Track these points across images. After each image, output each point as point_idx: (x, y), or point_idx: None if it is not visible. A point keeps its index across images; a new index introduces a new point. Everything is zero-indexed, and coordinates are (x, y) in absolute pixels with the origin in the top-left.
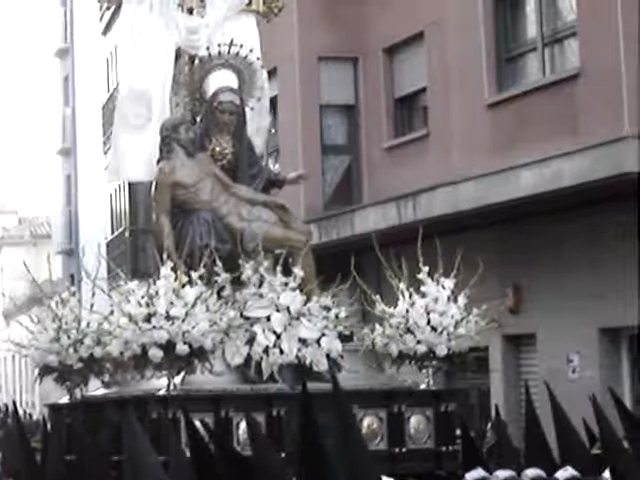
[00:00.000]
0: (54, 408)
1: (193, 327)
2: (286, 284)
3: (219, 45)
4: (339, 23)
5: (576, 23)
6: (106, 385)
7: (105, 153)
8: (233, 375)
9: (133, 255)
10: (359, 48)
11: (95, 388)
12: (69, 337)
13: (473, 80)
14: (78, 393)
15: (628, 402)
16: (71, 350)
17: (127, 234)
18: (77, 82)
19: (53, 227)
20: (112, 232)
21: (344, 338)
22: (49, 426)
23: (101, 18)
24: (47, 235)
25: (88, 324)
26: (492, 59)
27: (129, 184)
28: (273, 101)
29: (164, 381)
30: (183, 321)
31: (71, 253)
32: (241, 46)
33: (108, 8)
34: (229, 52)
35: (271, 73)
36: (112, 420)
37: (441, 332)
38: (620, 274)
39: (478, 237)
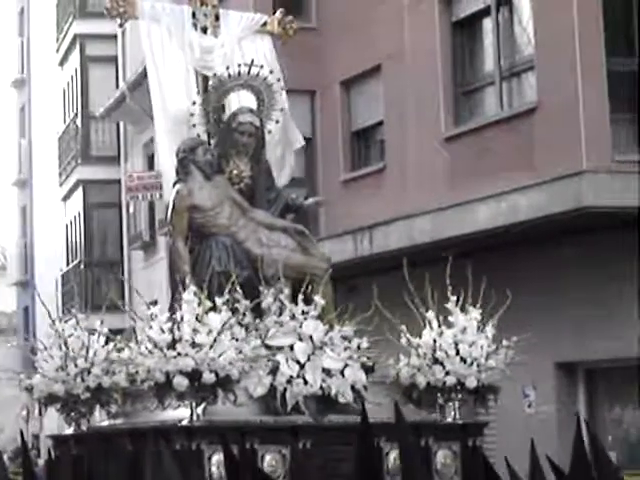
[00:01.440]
0: (59, 439)
1: (220, 355)
2: (307, 313)
3: (239, 65)
4: (296, 56)
5: (534, 57)
6: (113, 416)
7: (61, 185)
8: (255, 406)
9: (87, 288)
10: (316, 81)
11: (99, 419)
12: (76, 365)
13: (430, 113)
14: (84, 424)
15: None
16: (78, 379)
17: (82, 266)
18: (33, 113)
19: (8, 259)
20: (67, 264)
21: (366, 369)
22: (54, 457)
23: (58, 49)
24: (2, 267)
25: (95, 352)
26: (449, 93)
27: (84, 215)
28: None
29: (179, 412)
30: (210, 348)
31: (26, 285)
32: (261, 67)
33: (121, 25)
34: (249, 73)
35: None
36: (125, 451)
37: (471, 363)
38: (576, 308)
39: (434, 271)
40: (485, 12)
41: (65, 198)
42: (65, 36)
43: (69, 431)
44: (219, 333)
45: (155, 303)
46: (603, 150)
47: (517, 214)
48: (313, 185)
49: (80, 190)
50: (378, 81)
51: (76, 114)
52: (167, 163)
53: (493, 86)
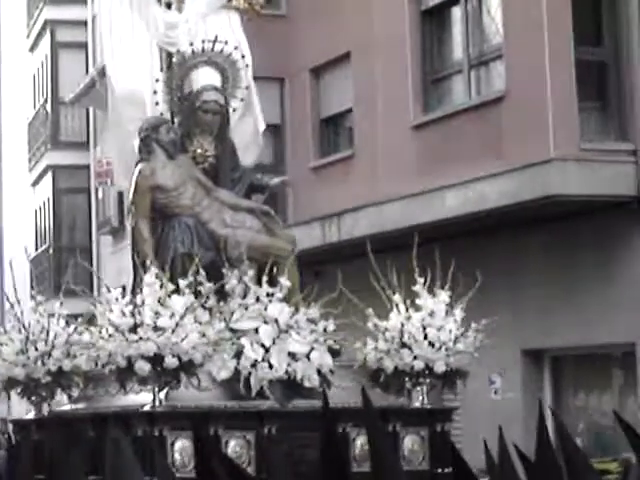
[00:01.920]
0: (20, 424)
1: (182, 339)
2: (272, 295)
3: (203, 41)
4: (265, 43)
5: (502, 46)
6: (74, 400)
7: (30, 170)
8: (218, 390)
9: (56, 272)
10: (285, 68)
11: (61, 404)
12: (36, 349)
13: (399, 101)
14: (45, 408)
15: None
16: (39, 363)
17: (51, 251)
18: (3, 98)
19: None
20: (36, 249)
21: (332, 353)
22: (14, 442)
23: (28, 35)
24: None
25: (56, 335)
26: (418, 81)
27: (53, 200)
28: None
29: (141, 397)
30: (172, 332)
31: None
32: (226, 43)
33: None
34: (213, 49)
35: None
36: (87, 437)
37: (439, 347)
38: (543, 295)
39: (402, 258)
40: (454, 1)
41: (34, 183)
42: (35, 22)
43: (30, 416)
44: (182, 317)
45: (124, 289)
46: (571, 138)
47: (485, 202)
48: (282, 172)
49: (49, 175)
50: (347, 69)
51: (46, 99)
52: (114, 143)
53: (461, 74)
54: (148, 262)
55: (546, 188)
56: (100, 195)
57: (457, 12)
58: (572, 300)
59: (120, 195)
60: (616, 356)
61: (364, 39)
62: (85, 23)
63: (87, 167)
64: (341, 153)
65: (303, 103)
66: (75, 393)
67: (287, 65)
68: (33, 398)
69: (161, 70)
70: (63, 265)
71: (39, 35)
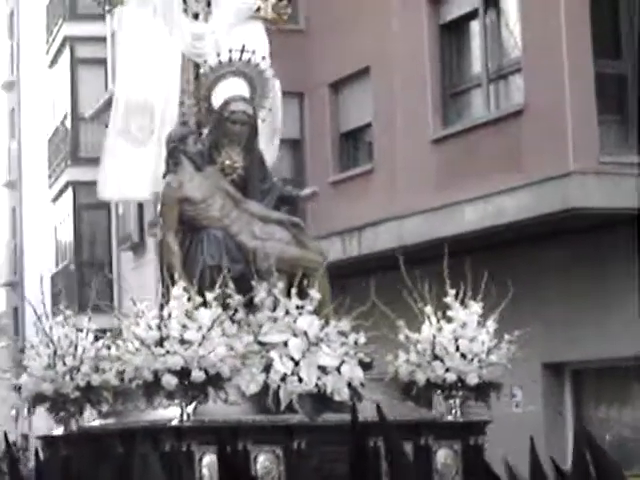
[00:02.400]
0: (48, 440)
1: (210, 352)
2: (301, 307)
3: (230, 51)
4: (284, 58)
5: (521, 59)
6: (103, 416)
7: (50, 186)
8: (247, 405)
9: (78, 288)
10: (305, 83)
11: (90, 419)
12: (65, 364)
13: (418, 115)
14: (73, 424)
15: (570, 439)
16: (67, 377)
17: (72, 267)
18: (23, 115)
19: None
20: (57, 265)
21: (363, 366)
22: (42, 458)
23: (48, 51)
24: None
25: (84, 350)
26: (437, 95)
27: (73, 216)
28: None
29: (170, 412)
30: (199, 345)
31: (15, 286)
32: (253, 53)
33: (109, 11)
34: (240, 59)
35: None
36: (115, 453)
37: (472, 359)
38: (564, 309)
39: (422, 272)
40: (473, 15)
41: (55, 199)
42: (55, 38)
43: (58, 431)
44: (209, 329)
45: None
46: (590, 151)
47: (505, 215)
48: (302, 186)
49: (70, 191)
50: (366, 83)
51: (65, 116)
52: (119, 152)
53: (480, 88)
54: (176, 275)
55: (566, 201)
56: (120, 211)
57: (475, 26)
58: (593, 313)
59: (141, 210)
60: (637, 369)
61: (383, 53)
62: (104, 39)
63: None
64: (361, 167)
65: (322, 118)
66: (104, 408)
67: (306, 80)
68: (61, 414)
69: (187, 81)
70: (84, 281)
71: (58, 51)
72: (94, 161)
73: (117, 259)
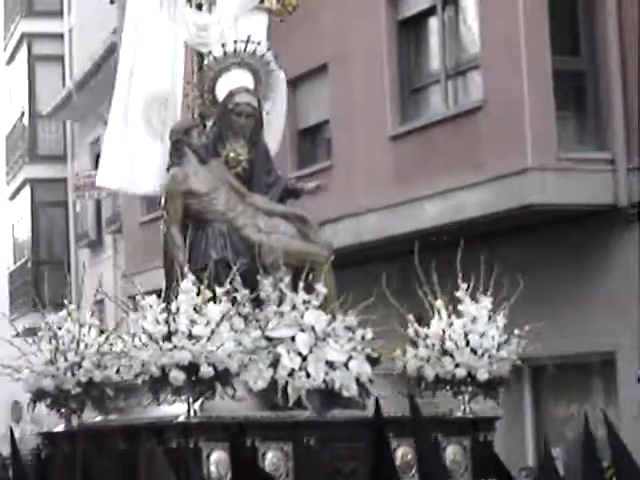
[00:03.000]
0: (49, 437)
1: (218, 348)
2: (308, 302)
3: (235, 42)
4: None
5: (479, 56)
6: (105, 412)
7: (8, 183)
8: (254, 400)
9: (35, 285)
10: None
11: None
12: (66, 359)
13: (376, 112)
14: (75, 420)
15: (530, 436)
16: (68, 373)
17: (29, 264)
18: None
19: None
20: (14, 262)
21: (371, 361)
22: (44, 455)
23: (5, 48)
24: None
25: (87, 345)
26: (395, 91)
27: (31, 214)
28: None
29: (175, 408)
30: (208, 340)
31: None
32: (259, 44)
33: (112, 2)
34: (246, 50)
35: None
36: (119, 450)
37: (482, 355)
38: (521, 305)
39: (381, 269)
40: (431, 11)
41: (12, 197)
42: (12, 35)
43: (59, 428)
44: (217, 324)
45: (101, 302)
46: (548, 148)
47: (464, 211)
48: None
49: (27, 189)
50: (324, 80)
51: (23, 113)
52: (141, 145)
53: (439, 85)
54: (185, 269)
55: (524, 197)
56: (78, 208)
57: (434, 23)
58: (551, 309)
59: (98, 208)
60: (596, 365)
61: (341, 50)
62: (62, 36)
63: (65, 180)
64: (319, 164)
65: None
66: (106, 405)
67: None
68: (63, 410)
69: (192, 72)
70: (42, 278)
71: (16, 48)
72: (52, 159)
73: (75, 256)
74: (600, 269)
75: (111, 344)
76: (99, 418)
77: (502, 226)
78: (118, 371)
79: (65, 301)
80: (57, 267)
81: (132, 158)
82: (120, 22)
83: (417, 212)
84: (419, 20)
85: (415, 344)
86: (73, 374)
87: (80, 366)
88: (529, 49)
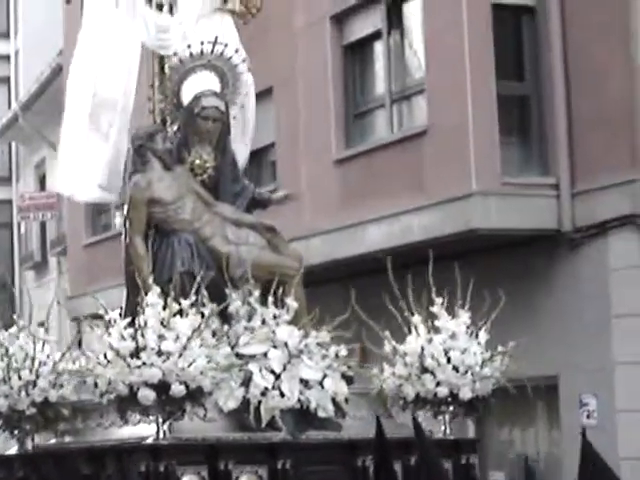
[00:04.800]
0: (2, 461)
1: (190, 364)
2: (278, 317)
3: (202, 43)
4: None
5: (424, 80)
6: (61, 434)
7: None
8: (224, 421)
9: None
10: None
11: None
12: (20, 378)
13: (321, 136)
14: (29, 443)
15: None
16: (23, 393)
17: None
18: None
19: None
20: None
21: (345, 380)
22: None
23: None
24: None
25: (41, 363)
26: (340, 115)
27: None
28: None
29: (140, 429)
30: (180, 357)
31: None
32: (226, 45)
33: (68, 2)
34: (213, 51)
35: None
36: (81, 474)
37: (465, 372)
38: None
39: (327, 292)
40: (376, 35)
41: None
42: None
43: (13, 451)
44: (189, 339)
45: (42, 325)
46: (492, 172)
47: (409, 235)
48: None
49: None
50: (270, 103)
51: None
52: (89, 148)
53: (384, 109)
54: (150, 281)
55: (468, 222)
56: (22, 230)
57: (379, 47)
58: (493, 333)
59: (43, 230)
60: (539, 389)
61: (287, 74)
62: (8, 57)
63: (10, 202)
64: (265, 187)
65: None
66: (62, 426)
67: None
68: (16, 432)
69: (154, 75)
70: None
71: None
72: None
73: (19, 278)
74: (544, 294)
75: (73, 362)
76: (53, 440)
77: (447, 250)
78: (78, 390)
79: (15, 317)
80: (1, 288)
81: (81, 164)
82: (67, 44)
83: (362, 236)
84: (364, 44)
85: (391, 362)
86: (27, 393)
87: (35, 385)
88: (474, 74)
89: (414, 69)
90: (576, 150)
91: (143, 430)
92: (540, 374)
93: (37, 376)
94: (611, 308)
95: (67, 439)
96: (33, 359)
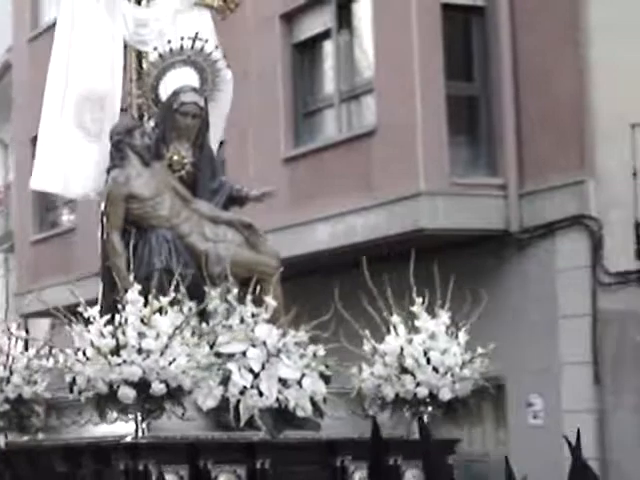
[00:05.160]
0: None
1: (170, 363)
2: (257, 316)
3: (182, 38)
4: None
5: (373, 80)
6: (35, 431)
7: None
8: (202, 420)
9: None
10: None
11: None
12: None
13: (270, 134)
14: (1, 440)
15: None
16: None
17: None
18: None
19: None
20: None
21: (323, 379)
22: None
23: None
24: None
25: (14, 359)
26: (290, 114)
27: None
28: None
29: (116, 427)
30: (161, 355)
31: None
32: (206, 41)
33: None
34: (192, 47)
35: None
36: (56, 472)
37: (445, 373)
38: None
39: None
40: (326, 35)
41: None
42: None
43: None
44: (170, 337)
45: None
46: (440, 172)
47: (356, 235)
48: None
49: None
50: None
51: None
52: (73, 145)
53: (333, 108)
54: (130, 278)
55: (416, 222)
56: None
57: (329, 46)
58: None
59: None
60: (486, 388)
61: (235, 72)
62: None
63: None
64: None
65: None
66: (35, 423)
67: None
68: None
69: (125, 69)
70: None
71: None
72: None
73: None
74: (491, 294)
75: (40, 358)
76: (26, 438)
77: (395, 250)
78: (54, 387)
79: None
80: None
81: (66, 160)
82: (16, 41)
83: (310, 235)
84: (314, 43)
85: (370, 362)
86: (1, 390)
87: (8, 381)
88: (423, 74)
89: (363, 68)
90: (524, 151)
91: (120, 428)
92: (487, 375)
93: (11, 372)
94: (558, 309)
95: (40, 436)
96: (8, 355)
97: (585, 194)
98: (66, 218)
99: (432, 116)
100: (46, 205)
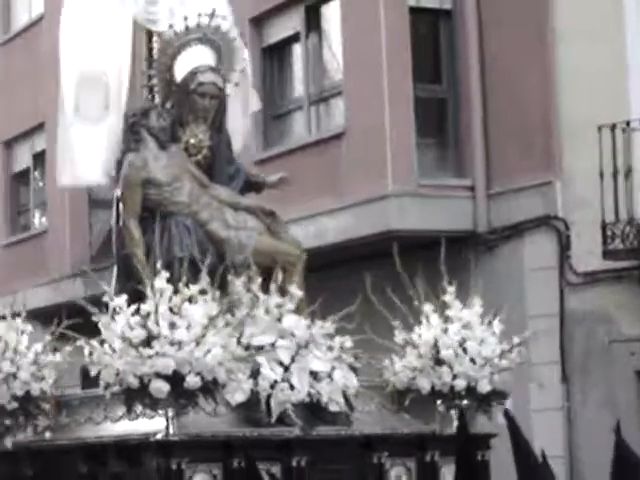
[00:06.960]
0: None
1: (205, 354)
2: (281, 306)
3: (199, 15)
4: None
5: (342, 82)
6: (42, 430)
7: None
8: (231, 416)
9: None
10: None
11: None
12: (0, 370)
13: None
14: (9, 440)
15: None
16: (3, 387)
17: None
18: None
19: None
20: None
21: (352, 371)
22: None
23: None
24: None
25: (21, 355)
26: (259, 116)
27: None
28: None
29: (138, 425)
30: (197, 346)
31: None
32: (224, 18)
33: None
34: (209, 25)
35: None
36: (79, 472)
37: (484, 364)
38: (381, 331)
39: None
40: (295, 38)
41: None
42: None
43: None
44: (205, 328)
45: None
46: (408, 174)
47: (326, 237)
48: None
49: None
50: None
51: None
52: (73, 133)
53: (302, 111)
54: (158, 265)
55: (384, 223)
56: None
57: (298, 49)
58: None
59: None
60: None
61: None
62: None
63: None
64: None
65: None
66: (43, 422)
67: None
68: None
69: (133, 49)
70: None
71: None
72: None
73: None
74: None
75: (47, 353)
76: (33, 437)
77: (364, 251)
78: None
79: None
80: None
81: (70, 149)
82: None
83: None
84: (283, 46)
85: (401, 354)
86: (8, 387)
87: (16, 378)
88: (391, 76)
89: (332, 71)
90: (492, 152)
91: (144, 425)
92: None
93: (18, 368)
94: (526, 309)
95: (52, 435)
96: (15, 350)
97: (552, 195)
98: (37, 221)
99: (400, 118)
100: (17, 208)
